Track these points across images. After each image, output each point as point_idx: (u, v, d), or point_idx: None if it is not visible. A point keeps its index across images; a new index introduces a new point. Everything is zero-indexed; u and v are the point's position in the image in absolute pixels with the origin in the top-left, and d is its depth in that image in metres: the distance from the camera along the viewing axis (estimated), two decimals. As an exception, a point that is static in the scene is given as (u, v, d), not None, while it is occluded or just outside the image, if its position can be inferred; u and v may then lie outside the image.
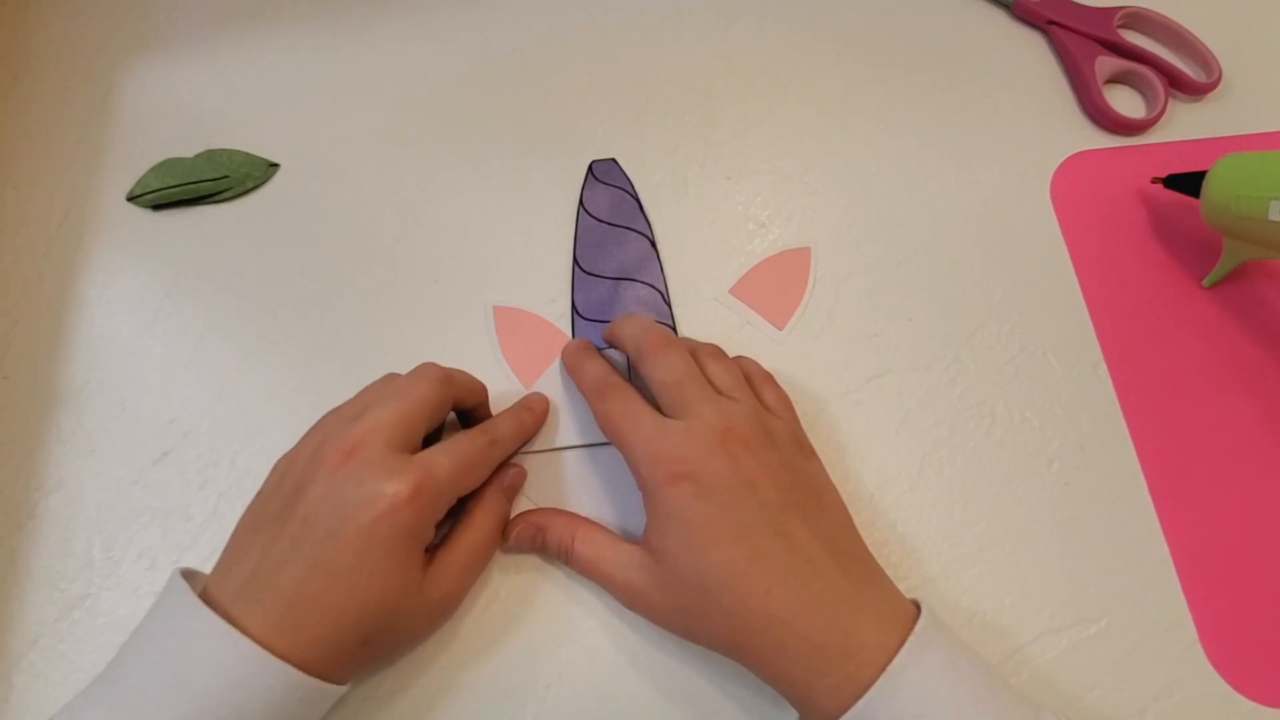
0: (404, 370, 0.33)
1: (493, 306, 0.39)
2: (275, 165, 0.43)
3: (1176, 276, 0.40)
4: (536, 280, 0.40)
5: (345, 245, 0.41)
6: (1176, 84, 0.44)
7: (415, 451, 0.30)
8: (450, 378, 0.32)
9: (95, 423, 0.37)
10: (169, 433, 0.37)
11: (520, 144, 0.43)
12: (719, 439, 0.29)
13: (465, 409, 0.35)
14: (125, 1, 0.47)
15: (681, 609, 0.29)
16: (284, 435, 0.32)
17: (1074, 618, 0.34)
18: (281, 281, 0.40)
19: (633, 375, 0.36)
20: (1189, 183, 0.39)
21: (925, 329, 0.39)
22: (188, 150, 0.43)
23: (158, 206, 0.42)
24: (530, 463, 0.36)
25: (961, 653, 0.28)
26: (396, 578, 0.28)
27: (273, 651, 0.25)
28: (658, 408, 0.32)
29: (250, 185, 0.42)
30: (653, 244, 0.40)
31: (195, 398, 0.38)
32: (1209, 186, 0.37)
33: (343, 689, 0.28)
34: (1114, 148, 0.43)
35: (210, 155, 0.42)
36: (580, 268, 0.40)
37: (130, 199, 0.42)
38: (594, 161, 0.42)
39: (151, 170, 0.42)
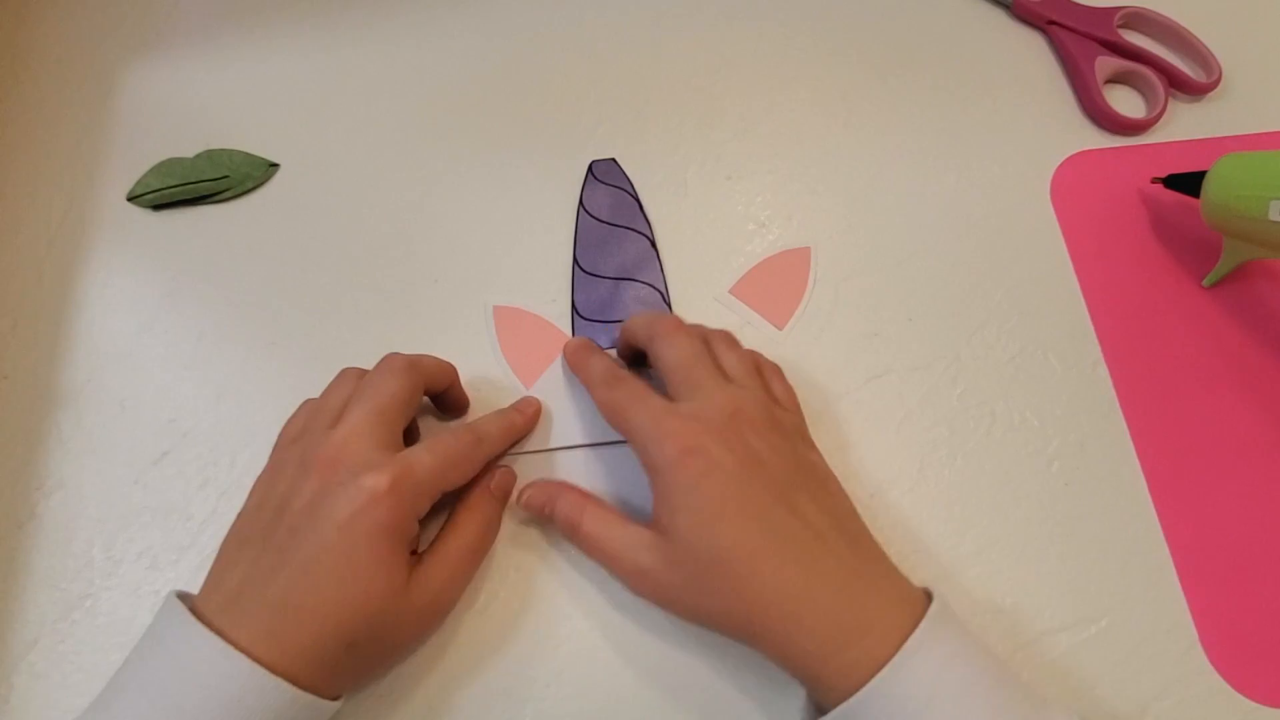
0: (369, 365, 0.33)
1: (493, 306, 0.39)
2: (275, 165, 0.43)
3: (1176, 276, 0.40)
4: (536, 280, 0.40)
5: (345, 245, 0.41)
6: (1176, 84, 0.44)
7: (398, 448, 0.30)
8: (415, 364, 0.32)
9: (95, 423, 0.37)
10: (169, 433, 0.37)
11: (520, 144, 0.43)
12: (728, 418, 0.29)
13: (437, 392, 0.34)
14: (125, 1, 0.47)
15: (692, 587, 0.28)
16: (284, 435, 0.32)
17: (1074, 618, 0.34)
18: (281, 281, 0.40)
19: (638, 373, 0.36)
20: (1189, 183, 0.39)
21: (925, 329, 0.39)
22: (188, 150, 0.43)
23: (158, 206, 0.42)
24: (526, 464, 0.36)
25: (973, 640, 0.28)
26: (380, 578, 0.27)
27: (259, 662, 0.25)
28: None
29: (250, 185, 0.42)
30: (652, 244, 0.40)
31: (195, 398, 0.38)
32: (1209, 186, 0.37)
33: (335, 705, 0.28)
34: (1114, 148, 0.43)
35: (210, 155, 0.42)
36: (580, 268, 0.40)
37: (130, 199, 0.42)
38: (594, 161, 0.42)
39: (151, 170, 0.42)
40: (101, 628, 0.33)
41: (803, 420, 0.34)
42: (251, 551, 0.28)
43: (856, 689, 0.26)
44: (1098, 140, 0.44)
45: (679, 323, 0.34)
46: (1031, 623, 0.34)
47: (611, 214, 0.41)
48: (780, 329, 0.39)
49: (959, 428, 0.37)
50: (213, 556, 0.29)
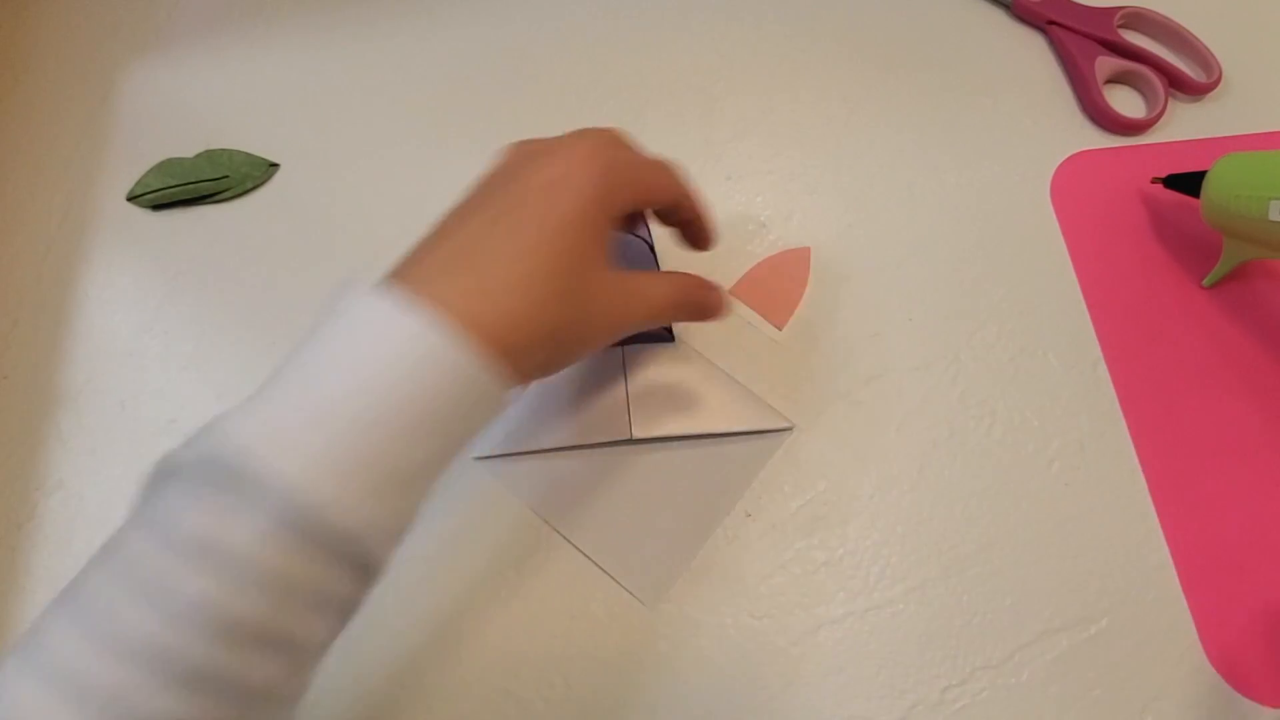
0: None
1: (493, 306, 0.39)
2: (275, 165, 0.43)
3: (1176, 276, 0.40)
4: (536, 280, 0.40)
5: (345, 245, 0.41)
6: (1176, 84, 0.44)
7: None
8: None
9: (95, 423, 0.37)
10: (169, 433, 0.37)
11: (520, 144, 0.43)
12: None
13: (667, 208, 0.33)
14: (125, 1, 0.47)
15: None
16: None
17: (1074, 618, 0.34)
18: (281, 281, 0.40)
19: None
20: (1189, 183, 0.39)
21: (925, 329, 0.39)
22: (188, 150, 0.43)
23: (158, 206, 0.42)
24: (525, 463, 0.36)
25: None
26: (577, 254, 0.27)
27: (461, 320, 0.24)
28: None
29: (250, 185, 0.42)
30: (651, 246, 0.40)
31: (195, 398, 0.38)
32: (1209, 186, 0.37)
33: (508, 398, 0.26)
34: (1114, 148, 0.43)
35: (210, 155, 0.42)
36: (580, 268, 0.40)
37: (130, 199, 0.42)
38: (594, 161, 0.42)
39: (151, 170, 0.42)
40: (101, 628, 0.33)
41: None
42: (472, 222, 0.28)
43: None
44: (1098, 140, 0.44)
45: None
46: (1031, 622, 0.34)
47: (611, 214, 0.41)
48: (780, 329, 0.39)
49: (959, 428, 0.37)
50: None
